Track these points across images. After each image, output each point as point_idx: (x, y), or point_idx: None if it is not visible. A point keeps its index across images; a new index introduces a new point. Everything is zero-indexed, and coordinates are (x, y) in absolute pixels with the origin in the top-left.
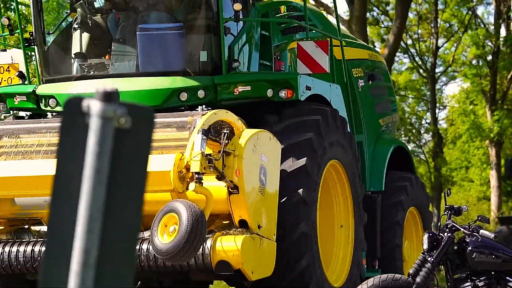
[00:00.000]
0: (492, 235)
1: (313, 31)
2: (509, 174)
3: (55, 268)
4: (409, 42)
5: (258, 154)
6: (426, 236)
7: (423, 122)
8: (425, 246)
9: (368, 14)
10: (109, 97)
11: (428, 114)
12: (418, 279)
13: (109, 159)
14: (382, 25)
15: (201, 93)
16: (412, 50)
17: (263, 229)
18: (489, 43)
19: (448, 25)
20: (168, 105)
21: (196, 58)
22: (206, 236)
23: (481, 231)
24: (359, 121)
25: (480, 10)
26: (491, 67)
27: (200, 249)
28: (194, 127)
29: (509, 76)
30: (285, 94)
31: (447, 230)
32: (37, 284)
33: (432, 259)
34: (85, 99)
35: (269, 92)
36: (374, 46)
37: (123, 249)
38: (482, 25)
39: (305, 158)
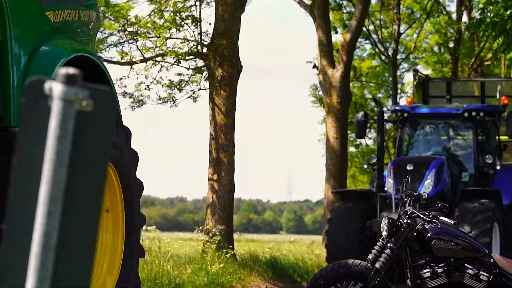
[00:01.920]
0: (452, 222)
1: None
2: (357, 133)
3: (14, 250)
4: (371, 28)
5: None
6: (385, 222)
7: (384, 108)
8: (385, 233)
9: None
10: (71, 79)
11: (390, 101)
12: (377, 265)
13: (71, 142)
14: (345, 11)
15: None
16: (374, 36)
17: None
18: (451, 30)
19: (410, 12)
20: None
21: None
22: None
23: (440, 217)
24: None
25: None
26: (452, 54)
27: None
28: None
29: (470, 64)
30: None
31: (407, 216)
32: None
33: (391, 245)
34: (47, 81)
35: None
36: (336, 32)
37: (84, 232)
38: (444, 12)
39: None
